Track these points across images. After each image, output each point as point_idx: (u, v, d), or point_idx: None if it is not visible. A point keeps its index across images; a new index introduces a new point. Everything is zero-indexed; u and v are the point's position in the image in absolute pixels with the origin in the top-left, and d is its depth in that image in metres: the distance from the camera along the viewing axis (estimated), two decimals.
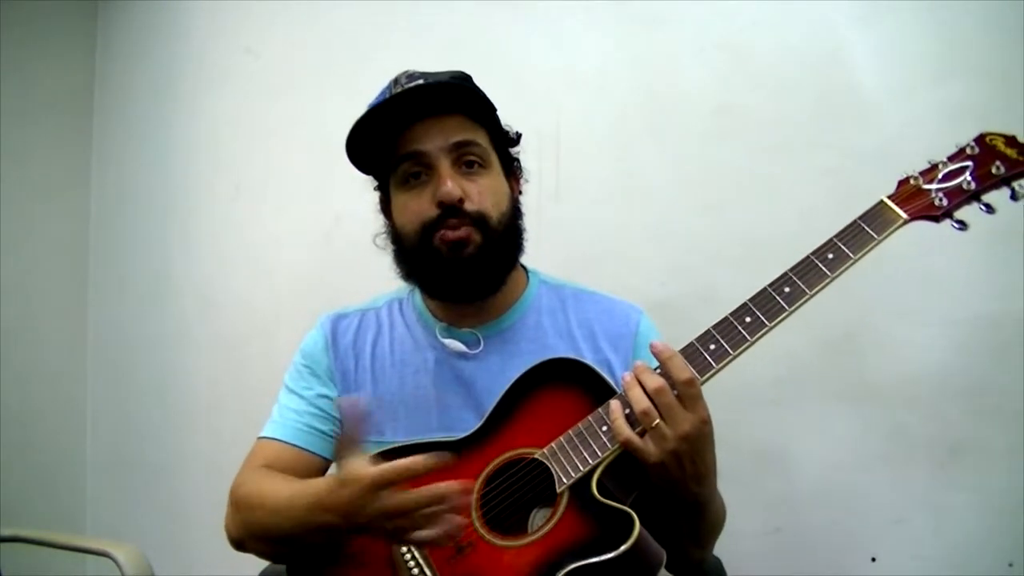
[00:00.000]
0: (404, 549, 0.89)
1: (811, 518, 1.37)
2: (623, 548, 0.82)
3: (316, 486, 0.90)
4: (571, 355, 0.95)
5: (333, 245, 1.85)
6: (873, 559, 1.31)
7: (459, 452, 0.93)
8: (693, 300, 1.42)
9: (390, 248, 1.08)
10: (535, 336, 1.06)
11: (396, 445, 0.98)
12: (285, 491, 0.93)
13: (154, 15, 2.20)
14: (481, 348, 1.05)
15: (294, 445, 1.03)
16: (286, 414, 1.06)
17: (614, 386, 0.91)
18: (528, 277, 1.12)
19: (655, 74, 1.52)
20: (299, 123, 1.92)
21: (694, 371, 0.85)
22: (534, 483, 0.90)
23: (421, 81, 0.98)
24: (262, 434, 1.06)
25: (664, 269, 1.48)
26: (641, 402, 0.83)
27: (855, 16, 1.35)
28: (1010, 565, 1.22)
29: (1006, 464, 1.23)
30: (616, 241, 1.53)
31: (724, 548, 1.03)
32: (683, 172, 1.49)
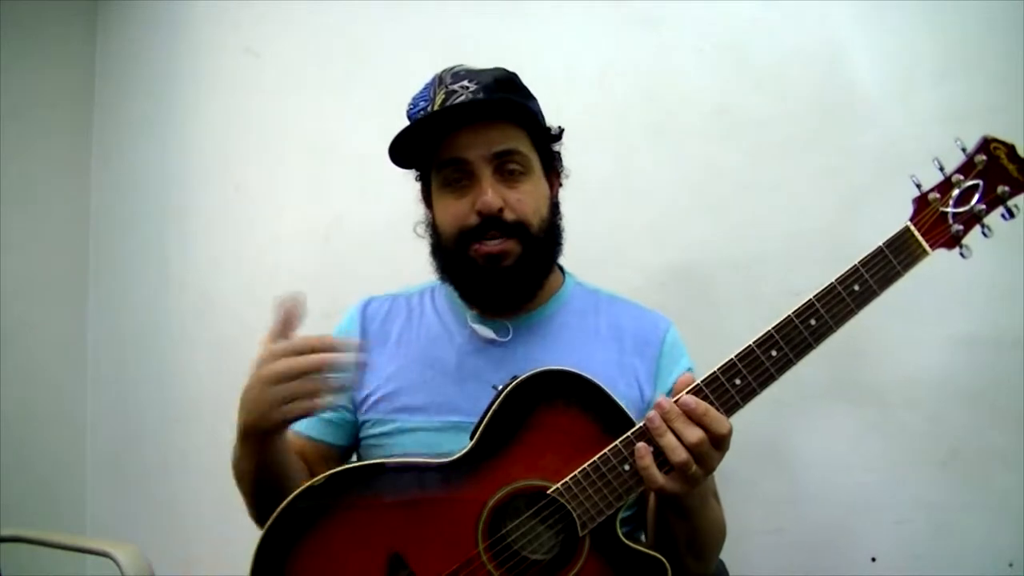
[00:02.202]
0: None
1: (812, 518, 1.37)
2: None
3: None
4: (570, 367, 0.89)
5: (333, 245, 1.85)
6: (873, 559, 1.31)
7: (452, 477, 0.88)
8: (693, 300, 1.42)
9: (428, 239, 1.08)
10: (562, 332, 1.06)
11: (381, 461, 0.95)
12: None
13: (154, 15, 2.20)
14: (510, 337, 1.05)
15: (298, 432, 1.06)
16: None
17: (623, 407, 0.87)
18: (564, 278, 1.13)
19: (655, 74, 1.52)
20: (299, 123, 1.92)
21: (728, 420, 0.84)
22: (549, 522, 0.86)
23: (466, 83, 0.98)
24: None
25: (664, 269, 1.48)
26: (679, 453, 0.81)
27: (855, 16, 1.35)
28: (1010, 565, 1.21)
29: (1006, 464, 1.23)
30: (616, 241, 1.53)
31: (726, 548, 1.03)
32: (683, 172, 1.48)
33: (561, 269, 1.14)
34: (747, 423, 1.38)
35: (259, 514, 0.97)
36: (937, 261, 1.26)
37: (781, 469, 1.39)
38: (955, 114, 1.24)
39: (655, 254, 1.49)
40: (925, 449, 1.29)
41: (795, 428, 1.38)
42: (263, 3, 1.98)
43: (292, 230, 1.92)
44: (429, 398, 1.02)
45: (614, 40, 1.56)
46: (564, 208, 1.26)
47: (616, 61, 1.55)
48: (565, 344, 1.04)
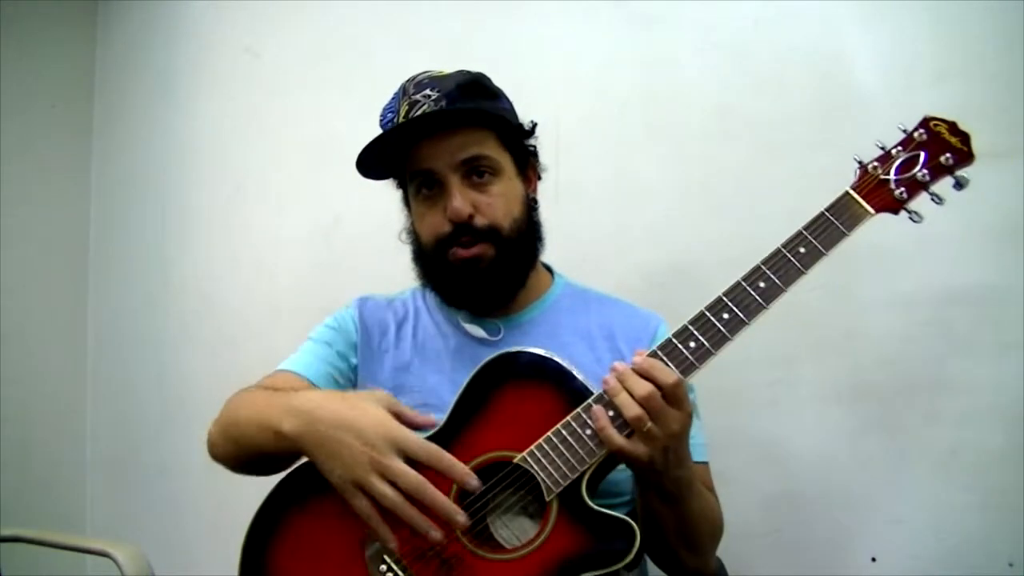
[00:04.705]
0: (384, 566, 0.86)
1: (811, 518, 1.37)
2: (630, 557, 0.80)
3: (309, 392, 0.95)
4: (536, 349, 0.91)
5: (333, 245, 1.85)
6: (873, 559, 1.31)
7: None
8: (693, 300, 1.41)
9: (410, 246, 1.09)
10: (553, 332, 1.06)
11: None
12: (323, 394, 0.94)
13: (154, 14, 2.20)
14: (501, 337, 1.06)
15: (311, 381, 1.03)
16: (309, 357, 1.07)
17: (583, 380, 0.88)
18: (553, 278, 1.14)
19: (655, 74, 1.51)
20: (299, 123, 1.92)
21: (679, 373, 0.85)
22: (518, 490, 0.88)
23: (429, 91, 0.98)
24: (281, 366, 1.06)
25: (664, 269, 1.48)
26: (632, 408, 0.82)
27: (855, 16, 1.35)
28: (1010, 565, 1.21)
29: (1006, 464, 1.23)
30: (616, 241, 1.53)
31: (724, 549, 1.03)
32: (683, 172, 1.48)
33: (550, 269, 1.15)
34: (745, 424, 1.39)
35: (237, 457, 0.99)
36: (937, 262, 1.26)
37: (780, 469, 1.39)
38: (955, 114, 1.23)
39: (655, 254, 1.49)
40: (925, 449, 1.29)
41: (794, 428, 1.38)
42: (263, 3, 1.98)
43: (292, 230, 1.92)
44: (423, 398, 1.03)
45: (614, 40, 1.56)
46: (564, 208, 1.27)
47: (616, 61, 1.55)
48: (556, 342, 1.04)
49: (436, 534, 0.81)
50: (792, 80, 1.40)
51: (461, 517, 0.82)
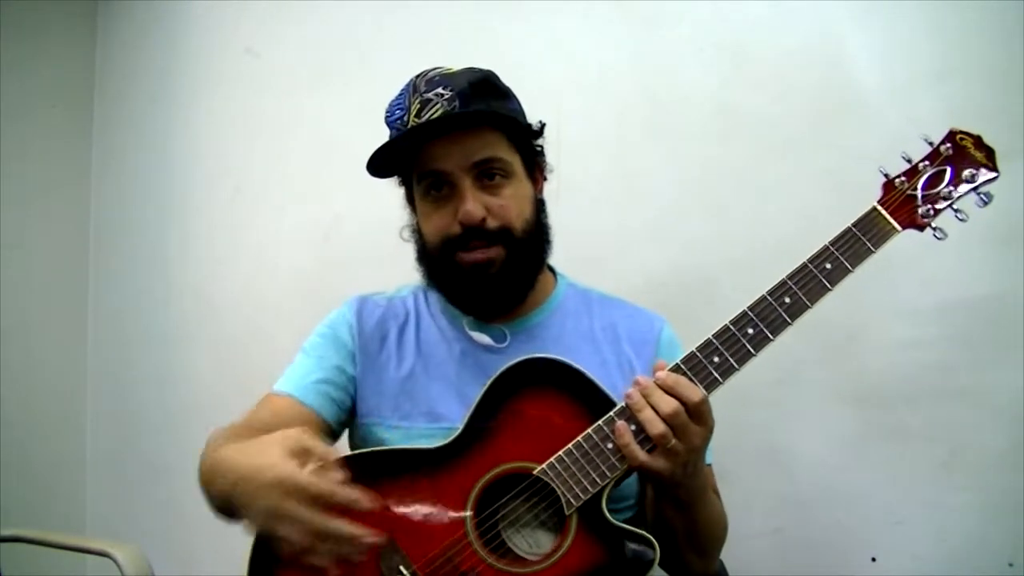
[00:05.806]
0: None
1: (811, 519, 1.37)
2: (650, 574, 0.81)
3: (234, 446, 0.85)
4: (554, 355, 0.91)
5: (333, 245, 1.85)
6: (873, 559, 1.31)
7: (440, 462, 0.89)
8: (693, 300, 1.42)
9: (414, 245, 1.08)
10: (559, 336, 1.05)
11: (372, 449, 0.96)
12: (240, 447, 0.86)
13: (154, 15, 2.20)
14: (507, 344, 1.04)
15: (304, 403, 1.01)
16: (300, 374, 1.04)
17: (606, 391, 0.88)
18: (556, 279, 1.12)
19: (655, 74, 1.51)
20: (299, 123, 1.92)
21: (704, 390, 0.84)
22: (537, 503, 0.87)
23: (440, 90, 0.97)
24: (274, 388, 1.03)
25: (664, 269, 1.48)
26: (657, 425, 0.82)
27: (855, 16, 1.35)
28: (1010, 565, 1.21)
29: (1006, 464, 1.23)
30: (616, 241, 1.53)
31: (726, 549, 1.03)
32: (683, 172, 1.48)
33: (552, 271, 1.13)
34: (747, 424, 1.39)
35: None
36: (939, 263, 1.26)
37: (781, 470, 1.39)
38: (955, 114, 1.23)
39: (655, 254, 1.49)
40: (925, 449, 1.29)
41: (795, 429, 1.38)
42: (263, 3, 1.98)
43: (292, 230, 1.92)
44: (429, 406, 1.01)
45: (614, 40, 1.56)
46: (564, 208, 1.27)
47: (616, 61, 1.55)
48: (563, 347, 1.03)
49: (360, 553, 0.75)
50: (792, 80, 1.40)
51: (372, 539, 0.75)
